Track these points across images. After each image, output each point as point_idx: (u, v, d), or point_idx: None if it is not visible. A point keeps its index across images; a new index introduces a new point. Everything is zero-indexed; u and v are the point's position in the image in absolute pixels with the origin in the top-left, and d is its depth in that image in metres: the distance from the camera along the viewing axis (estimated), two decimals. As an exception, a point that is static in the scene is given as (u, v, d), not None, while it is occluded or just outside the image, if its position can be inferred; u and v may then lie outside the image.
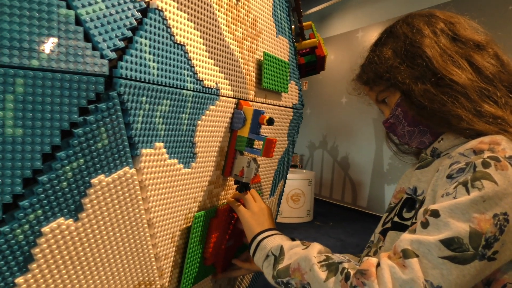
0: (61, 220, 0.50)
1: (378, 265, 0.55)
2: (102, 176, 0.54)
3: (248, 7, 0.81)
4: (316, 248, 0.65)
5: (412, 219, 0.63)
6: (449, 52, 0.64)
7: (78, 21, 0.48)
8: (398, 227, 0.65)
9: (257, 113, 0.78)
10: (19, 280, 0.48)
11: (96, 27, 0.49)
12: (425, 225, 0.54)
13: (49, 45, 0.46)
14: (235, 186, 0.85)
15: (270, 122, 0.78)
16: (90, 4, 0.49)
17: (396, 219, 0.67)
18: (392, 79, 0.67)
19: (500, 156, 0.54)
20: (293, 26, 1.05)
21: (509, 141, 0.57)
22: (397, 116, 0.69)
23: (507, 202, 0.52)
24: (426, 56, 0.63)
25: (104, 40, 0.50)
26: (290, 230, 3.97)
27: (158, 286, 0.70)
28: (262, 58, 0.86)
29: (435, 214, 0.53)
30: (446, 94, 0.62)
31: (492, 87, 0.62)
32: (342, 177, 6.10)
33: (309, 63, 1.11)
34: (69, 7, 0.47)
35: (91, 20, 0.49)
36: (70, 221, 0.52)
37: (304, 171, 5.46)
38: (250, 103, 0.83)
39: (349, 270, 0.57)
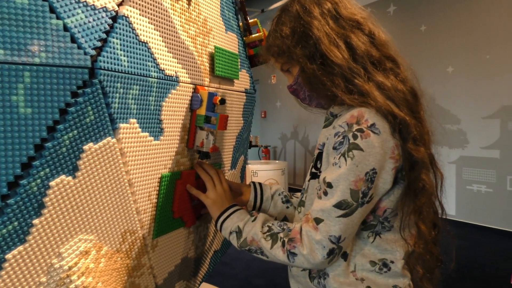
0: (63, 176, 0.68)
1: (301, 228, 0.78)
2: (91, 144, 0.71)
3: (198, 9, 0.99)
4: (261, 221, 0.87)
5: (321, 168, 0.84)
6: (333, 33, 0.80)
7: (65, 28, 0.65)
8: (314, 175, 0.87)
9: (211, 95, 0.97)
10: (35, 221, 0.65)
11: (79, 32, 0.67)
12: (325, 193, 0.77)
13: (45, 47, 0.63)
14: (197, 156, 1.04)
15: (222, 101, 0.97)
16: (73, 15, 0.66)
17: (313, 170, 0.88)
18: (291, 55, 0.85)
19: (363, 127, 0.75)
20: (241, 24, 1.24)
21: (371, 111, 0.76)
22: (299, 83, 0.88)
23: (372, 159, 0.74)
24: (315, 38, 0.80)
25: (86, 41, 0.68)
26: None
27: (140, 234, 0.88)
28: (214, 51, 1.05)
29: (330, 185, 0.76)
30: (328, 75, 0.80)
31: (360, 66, 0.79)
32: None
33: (258, 54, 1.31)
34: (58, 18, 0.65)
35: (75, 26, 0.66)
36: (70, 178, 0.69)
37: (277, 161, 5.67)
38: (206, 88, 1.02)
39: (284, 238, 0.81)
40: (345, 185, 0.74)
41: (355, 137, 0.74)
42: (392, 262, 0.82)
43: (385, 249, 0.81)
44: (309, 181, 0.88)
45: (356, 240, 0.82)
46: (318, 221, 0.76)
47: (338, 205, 0.74)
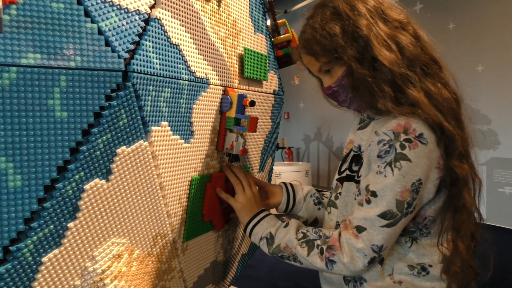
0: (97, 180, 0.68)
1: (340, 236, 0.77)
2: (124, 147, 0.71)
3: (228, 11, 0.98)
4: (294, 227, 0.85)
5: (358, 172, 0.83)
6: (383, 34, 0.75)
7: (100, 31, 0.65)
8: (350, 178, 0.85)
9: (241, 97, 0.96)
10: (70, 224, 0.65)
11: (113, 35, 0.67)
12: (368, 201, 0.75)
13: (81, 51, 0.63)
14: (226, 158, 1.02)
15: (252, 103, 0.96)
16: (107, 18, 0.66)
17: (348, 172, 0.86)
18: (339, 56, 0.77)
19: (411, 137, 0.73)
20: (269, 24, 1.22)
21: (419, 120, 0.73)
22: (343, 85, 0.81)
23: (419, 170, 0.73)
24: (366, 38, 0.74)
25: (120, 44, 0.67)
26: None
27: (171, 238, 0.87)
28: (243, 53, 1.04)
29: (374, 194, 0.75)
30: (377, 81, 0.74)
31: (412, 72, 0.75)
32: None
33: (286, 55, 1.29)
34: (92, 21, 0.65)
35: (109, 30, 0.66)
36: (103, 181, 0.69)
37: (301, 163, 5.63)
38: (235, 89, 1.00)
39: (322, 246, 0.79)
40: (391, 196, 0.73)
41: (402, 147, 0.72)
42: (430, 266, 0.80)
43: (423, 254, 0.81)
44: (341, 182, 0.87)
45: (394, 245, 0.80)
46: (360, 229, 0.74)
47: (383, 215, 0.73)
